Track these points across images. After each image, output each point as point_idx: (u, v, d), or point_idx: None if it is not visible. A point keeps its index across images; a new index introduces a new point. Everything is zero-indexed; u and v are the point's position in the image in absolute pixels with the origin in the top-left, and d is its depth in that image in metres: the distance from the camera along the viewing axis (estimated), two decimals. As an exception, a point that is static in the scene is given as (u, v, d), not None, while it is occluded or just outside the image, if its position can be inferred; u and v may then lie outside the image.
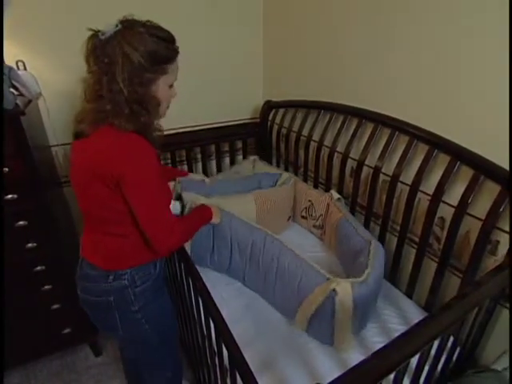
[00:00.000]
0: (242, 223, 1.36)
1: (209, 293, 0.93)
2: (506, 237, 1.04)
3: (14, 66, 1.41)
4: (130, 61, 0.83)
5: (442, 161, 1.17)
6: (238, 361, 0.75)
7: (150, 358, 1.13)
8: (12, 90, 1.26)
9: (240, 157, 2.13)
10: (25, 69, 1.48)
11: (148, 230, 0.92)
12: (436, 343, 0.84)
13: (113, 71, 0.83)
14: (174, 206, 1.36)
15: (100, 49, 0.84)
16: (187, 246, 1.39)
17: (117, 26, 0.85)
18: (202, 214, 1.21)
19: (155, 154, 0.90)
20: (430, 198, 1.20)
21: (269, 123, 2.01)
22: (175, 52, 0.92)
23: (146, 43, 0.84)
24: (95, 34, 0.86)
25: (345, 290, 1.03)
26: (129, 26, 0.85)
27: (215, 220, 1.28)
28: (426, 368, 0.91)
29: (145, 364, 1.16)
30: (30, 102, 1.36)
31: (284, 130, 1.90)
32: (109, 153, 0.86)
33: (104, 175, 0.86)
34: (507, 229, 1.03)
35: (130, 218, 0.94)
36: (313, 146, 1.72)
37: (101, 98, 0.86)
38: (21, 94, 1.33)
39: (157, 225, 0.93)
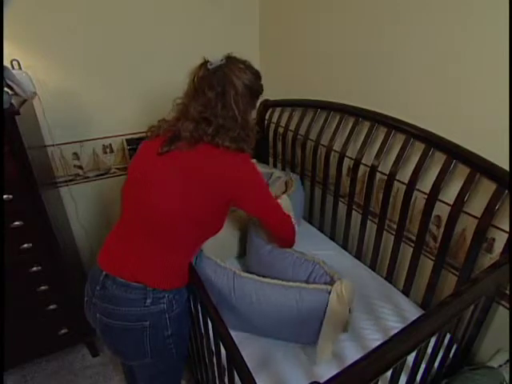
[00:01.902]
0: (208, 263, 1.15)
1: (206, 292, 0.93)
2: (502, 234, 1.05)
3: (9, 66, 1.40)
4: (239, 92, 0.93)
5: (438, 159, 1.17)
6: (236, 360, 0.75)
7: (167, 377, 1.11)
8: (7, 89, 1.25)
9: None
10: (19, 68, 1.47)
11: (280, 230, 1.12)
12: (433, 340, 0.84)
13: (226, 99, 0.92)
14: None
15: (210, 77, 0.93)
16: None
17: (222, 60, 0.95)
18: None
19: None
20: (426, 196, 1.21)
21: (266, 122, 2.01)
22: (262, 87, 1.04)
23: (247, 77, 0.96)
24: (204, 64, 0.95)
25: (346, 286, 1.01)
26: (232, 61, 0.96)
27: None
28: (423, 365, 0.91)
29: (158, 380, 1.11)
30: (24, 101, 1.36)
31: (281, 129, 1.90)
32: (226, 176, 0.91)
33: (219, 193, 0.92)
34: (503, 227, 1.04)
35: (199, 236, 1.01)
36: (309, 144, 1.72)
37: (205, 120, 0.92)
38: (16, 94, 1.32)
39: (285, 223, 1.11)
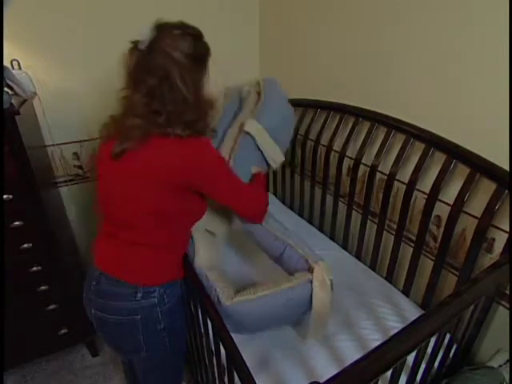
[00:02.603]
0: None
1: (206, 291, 0.93)
2: (502, 234, 1.05)
3: (9, 66, 1.40)
4: (183, 66, 0.82)
5: (438, 159, 1.17)
6: (236, 360, 0.75)
7: (163, 372, 1.11)
8: (7, 89, 1.25)
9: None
10: (19, 68, 1.47)
11: (245, 212, 1.05)
12: (433, 340, 0.84)
13: (171, 81, 0.82)
14: None
15: (146, 60, 0.82)
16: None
17: (151, 33, 0.83)
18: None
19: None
20: (426, 196, 1.21)
21: (265, 122, 2.01)
22: (208, 46, 0.91)
23: (187, 44, 0.84)
24: (135, 46, 0.84)
25: (321, 269, 0.99)
26: (163, 31, 0.84)
27: None
28: (423, 365, 0.91)
29: (154, 374, 1.11)
30: (24, 101, 1.36)
31: (281, 129, 1.90)
32: (181, 166, 0.84)
33: (178, 184, 0.86)
34: (503, 227, 1.04)
35: (178, 228, 0.98)
36: (309, 144, 1.72)
37: (153, 112, 0.84)
38: (16, 94, 1.32)
39: (252, 203, 1.04)
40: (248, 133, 1.19)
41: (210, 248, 1.18)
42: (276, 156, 1.24)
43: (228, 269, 1.36)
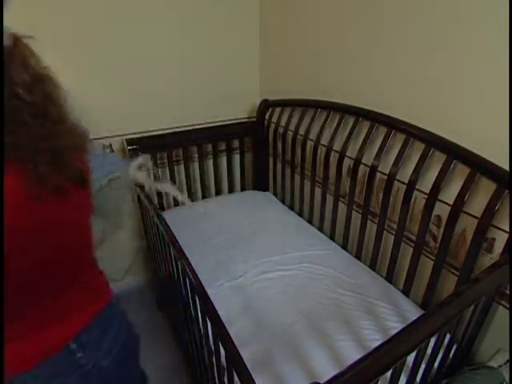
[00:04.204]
0: None
1: (205, 291, 0.93)
2: (502, 234, 1.05)
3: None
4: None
5: (438, 159, 1.17)
6: (236, 360, 0.75)
7: None
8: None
9: (237, 156, 2.13)
10: (19, 68, 1.47)
11: None
12: (433, 340, 0.84)
13: None
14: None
15: None
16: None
17: None
18: None
19: None
20: (426, 196, 1.21)
21: (265, 122, 2.01)
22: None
23: None
24: None
25: None
26: None
27: None
28: (423, 365, 0.91)
29: None
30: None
31: (281, 129, 1.90)
32: None
33: None
34: (503, 227, 1.04)
35: None
36: (309, 144, 1.72)
37: None
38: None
39: None
40: None
41: None
42: None
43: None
